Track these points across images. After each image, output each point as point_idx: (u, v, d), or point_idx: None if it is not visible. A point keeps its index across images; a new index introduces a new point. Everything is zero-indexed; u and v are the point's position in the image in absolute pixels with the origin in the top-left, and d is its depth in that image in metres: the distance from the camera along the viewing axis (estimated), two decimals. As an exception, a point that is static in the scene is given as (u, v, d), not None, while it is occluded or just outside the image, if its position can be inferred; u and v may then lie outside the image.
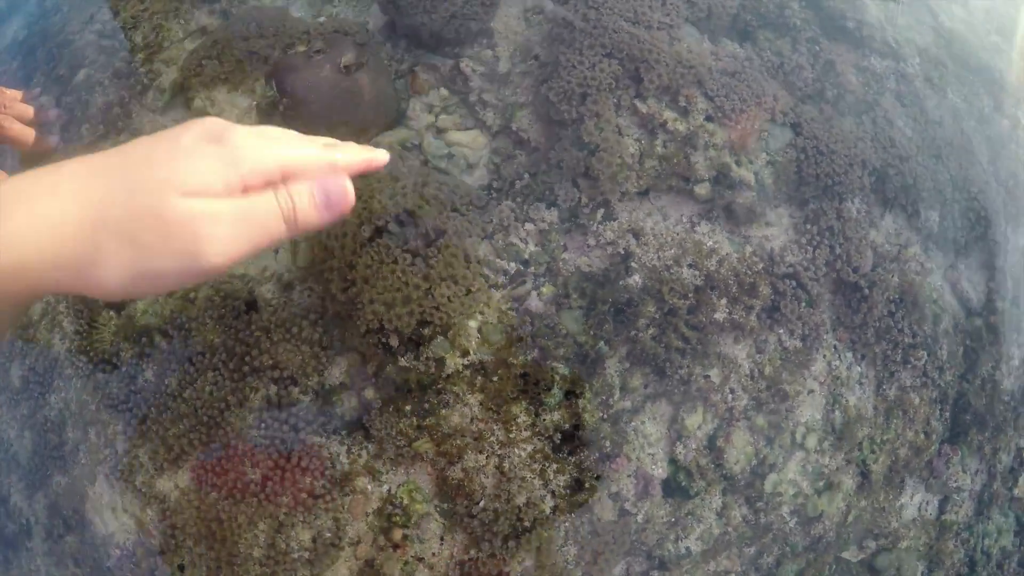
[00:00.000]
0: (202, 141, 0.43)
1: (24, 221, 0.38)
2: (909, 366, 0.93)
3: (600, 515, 0.77)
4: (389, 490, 0.75)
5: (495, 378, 0.75)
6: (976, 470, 1.02)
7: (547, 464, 0.75)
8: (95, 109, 0.92)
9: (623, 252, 0.82)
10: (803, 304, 0.85)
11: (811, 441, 0.87)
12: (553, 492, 0.75)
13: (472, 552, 0.73)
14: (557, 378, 0.76)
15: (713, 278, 0.82)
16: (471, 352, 0.75)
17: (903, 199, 0.95)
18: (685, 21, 0.92)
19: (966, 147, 1.06)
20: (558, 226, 0.84)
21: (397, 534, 0.73)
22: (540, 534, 0.74)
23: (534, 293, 0.80)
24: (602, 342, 0.79)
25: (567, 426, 0.76)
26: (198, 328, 0.78)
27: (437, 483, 0.74)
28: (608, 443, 0.78)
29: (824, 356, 0.88)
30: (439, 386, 0.74)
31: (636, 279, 0.81)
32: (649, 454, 0.80)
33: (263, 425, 0.75)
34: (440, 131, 0.88)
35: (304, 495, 0.74)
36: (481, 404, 0.75)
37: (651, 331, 0.79)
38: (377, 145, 0.83)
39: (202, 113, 0.88)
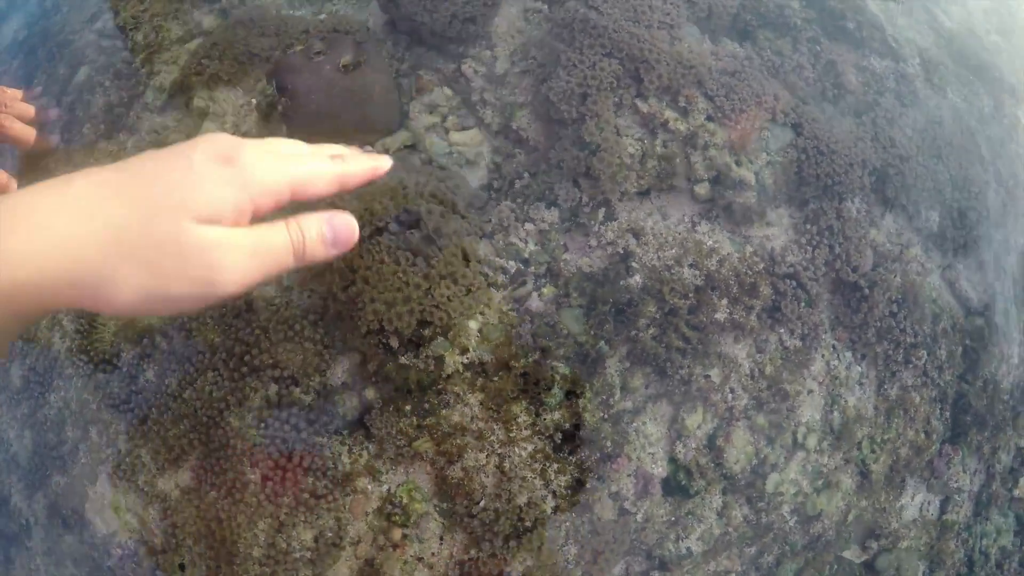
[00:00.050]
0: (213, 162, 0.44)
1: (39, 238, 0.39)
2: (910, 366, 0.93)
3: (600, 514, 0.77)
4: (389, 489, 0.75)
5: (495, 378, 0.75)
6: (975, 470, 1.02)
7: (548, 464, 0.75)
8: (96, 109, 0.92)
9: (623, 252, 0.82)
10: (802, 304, 0.85)
11: (811, 441, 0.87)
12: (554, 492, 0.75)
13: (472, 552, 0.73)
14: (558, 378, 0.76)
15: (714, 278, 0.82)
16: (471, 351, 0.76)
17: (904, 199, 0.95)
18: (686, 20, 0.92)
19: (966, 147, 1.06)
20: (558, 226, 0.84)
21: (396, 534, 0.73)
22: (541, 534, 0.74)
23: (534, 293, 0.80)
24: (603, 342, 0.79)
25: (568, 426, 0.76)
26: (199, 328, 0.78)
27: (436, 482, 0.74)
28: (609, 443, 0.78)
29: (823, 356, 0.88)
30: (439, 386, 0.74)
31: (636, 279, 0.81)
32: (649, 453, 0.80)
33: (264, 425, 0.75)
34: (442, 131, 0.88)
35: (306, 495, 0.74)
36: (481, 404, 0.75)
37: (652, 331, 0.79)
38: (384, 149, 0.84)
39: (202, 112, 0.88)
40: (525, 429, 0.74)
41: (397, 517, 0.74)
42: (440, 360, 0.74)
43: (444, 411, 0.74)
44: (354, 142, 0.83)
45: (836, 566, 0.92)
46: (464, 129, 0.88)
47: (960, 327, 0.99)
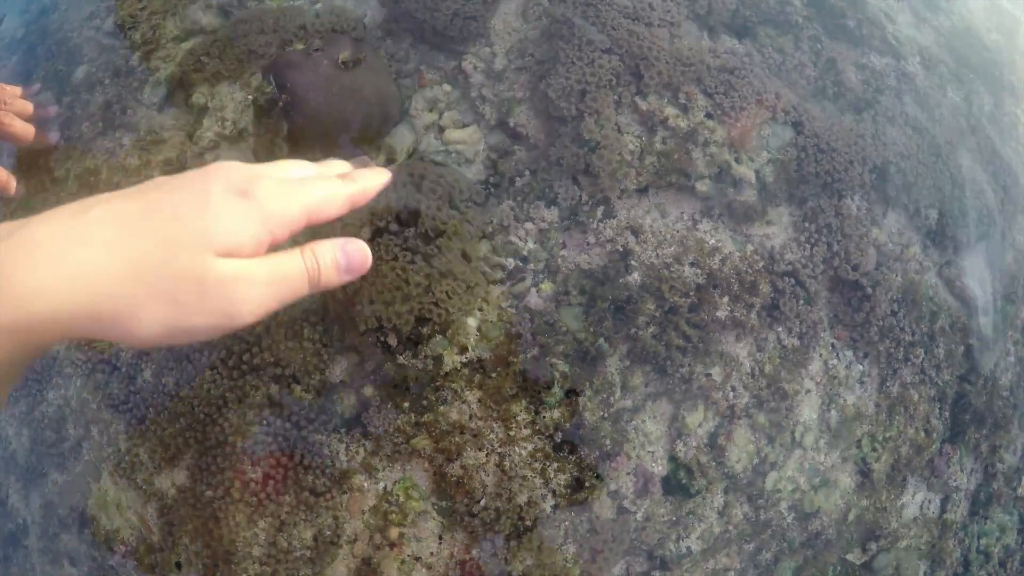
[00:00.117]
0: (230, 195, 0.44)
1: (59, 272, 0.39)
2: (910, 364, 0.93)
3: (599, 513, 0.77)
4: (385, 487, 0.75)
5: (494, 375, 0.75)
6: (971, 469, 1.02)
7: (547, 463, 0.75)
8: (94, 107, 0.92)
9: (622, 250, 0.82)
10: (801, 302, 0.85)
11: (808, 439, 0.87)
12: (554, 491, 0.75)
13: (473, 551, 0.73)
14: (557, 376, 0.76)
15: (715, 276, 0.82)
16: (470, 349, 0.75)
17: (904, 197, 0.95)
18: (685, 18, 0.91)
19: (966, 146, 1.06)
20: (558, 224, 0.83)
21: (393, 532, 0.73)
22: (541, 533, 0.74)
23: (533, 290, 0.80)
24: (602, 340, 0.78)
25: (567, 424, 0.75)
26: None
27: (435, 480, 0.74)
28: (608, 441, 0.77)
29: (821, 355, 0.88)
30: (437, 383, 0.74)
31: (635, 276, 0.81)
32: (649, 452, 0.80)
33: (266, 423, 0.74)
34: (441, 128, 0.88)
35: (306, 493, 0.73)
36: (480, 402, 0.74)
37: (651, 329, 0.79)
38: (386, 148, 0.84)
39: (201, 109, 0.88)
40: (525, 428, 0.74)
41: (394, 515, 0.73)
42: (439, 358, 0.74)
43: (442, 408, 0.74)
44: (353, 142, 0.83)
45: (839, 567, 0.92)
46: (463, 127, 0.88)
47: (959, 325, 0.99)
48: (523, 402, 0.75)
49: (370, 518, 0.74)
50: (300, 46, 0.86)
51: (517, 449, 0.74)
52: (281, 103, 0.79)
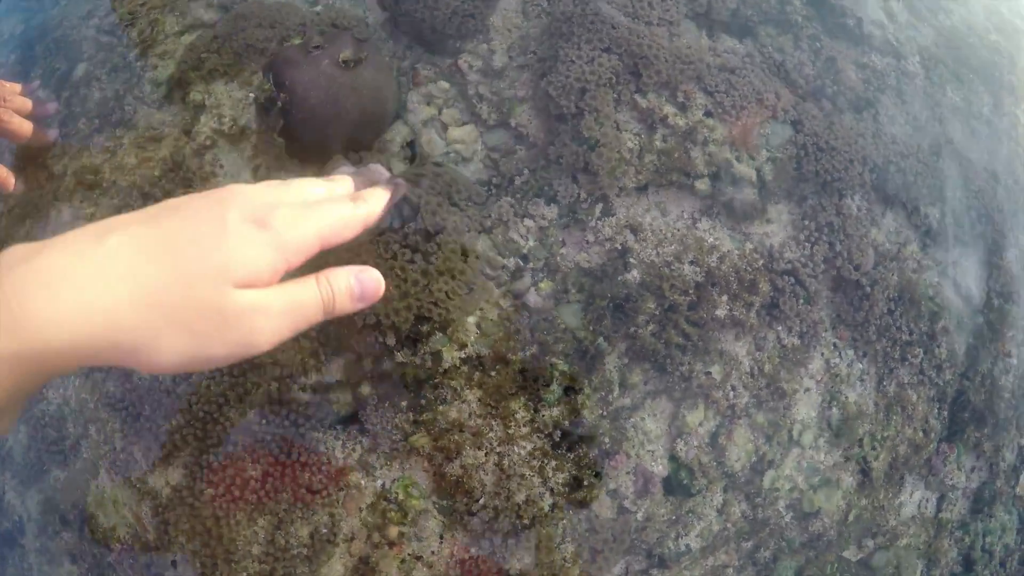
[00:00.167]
0: (247, 225, 0.45)
1: (76, 303, 0.39)
2: (907, 363, 0.93)
3: (599, 513, 0.77)
4: (383, 485, 0.74)
5: (493, 373, 0.75)
6: (972, 467, 1.02)
7: (546, 461, 0.74)
8: (92, 104, 0.92)
9: (621, 248, 0.82)
10: (801, 301, 0.85)
11: (807, 438, 0.87)
12: (552, 490, 0.74)
13: (473, 550, 0.73)
14: (556, 374, 0.76)
15: (714, 275, 0.82)
16: (469, 347, 0.75)
17: (904, 196, 0.95)
18: (684, 17, 0.91)
19: (966, 145, 1.06)
20: (557, 221, 0.83)
21: (393, 531, 0.73)
22: (540, 532, 0.74)
23: (532, 288, 0.80)
24: (601, 338, 0.78)
25: (566, 422, 0.75)
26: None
27: (435, 479, 0.74)
28: (607, 440, 0.77)
29: (822, 354, 0.88)
30: (436, 381, 0.74)
31: (635, 275, 0.81)
32: (649, 451, 0.80)
33: (266, 421, 0.74)
34: (441, 126, 0.88)
35: (304, 491, 0.73)
36: (479, 400, 0.74)
37: (651, 327, 0.79)
38: (385, 148, 0.84)
39: (199, 107, 0.87)
40: (524, 426, 0.74)
41: (393, 514, 0.73)
42: (437, 356, 0.74)
43: (441, 407, 0.74)
44: (353, 142, 0.83)
45: (838, 565, 0.91)
46: (462, 125, 0.88)
47: (960, 325, 0.99)
48: (522, 400, 0.75)
49: (368, 516, 0.74)
50: (297, 40, 0.85)
51: (516, 448, 0.74)
52: (280, 102, 0.79)
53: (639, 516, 0.79)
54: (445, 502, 0.74)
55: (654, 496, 0.79)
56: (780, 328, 0.85)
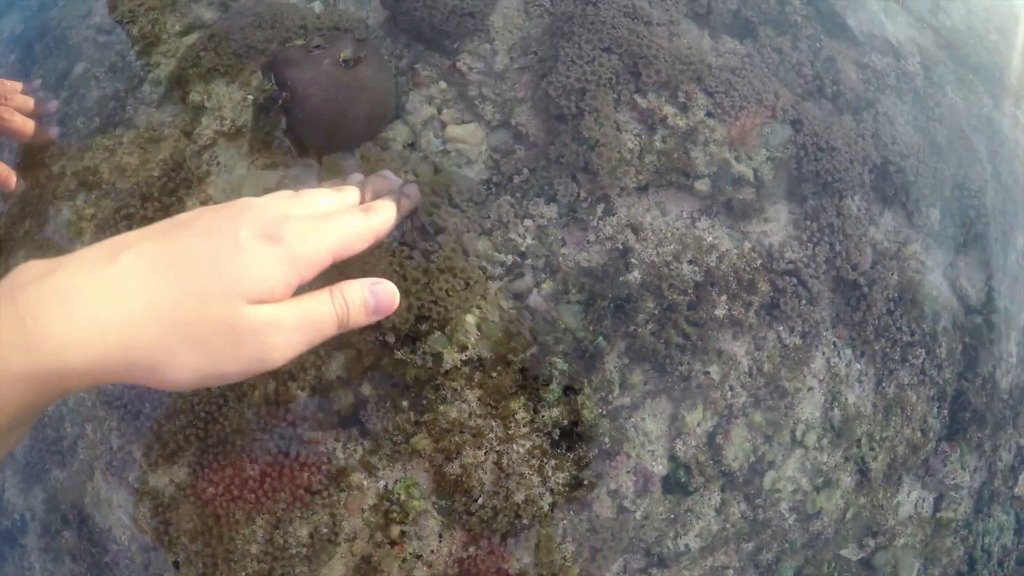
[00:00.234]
0: (260, 240, 0.45)
1: (93, 322, 0.39)
2: (907, 364, 0.93)
3: (599, 512, 0.77)
4: (386, 486, 0.74)
5: (493, 373, 0.75)
6: (975, 467, 1.02)
7: (545, 460, 0.74)
8: (91, 103, 0.92)
9: (622, 247, 0.82)
10: (803, 301, 0.85)
11: (810, 438, 0.87)
12: (552, 489, 0.75)
13: (471, 549, 0.73)
14: (556, 374, 0.76)
15: (713, 274, 0.82)
16: (469, 347, 0.75)
17: (903, 196, 0.95)
18: (685, 16, 0.91)
19: (966, 145, 1.06)
20: (557, 221, 0.83)
21: (395, 531, 0.73)
22: (539, 531, 0.74)
23: (533, 288, 0.80)
24: (601, 338, 0.78)
25: (566, 422, 0.75)
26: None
27: (435, 479, 0.74)
28: (607, 440, 0.77)
29: (823, 353, 0.88)
30: (437, 381, 0.74)
31: (635, 274, 0.81)
32: (649, 451, 0.80)
33: (262, 421, 0.74)
34: (440, 125, 0.88)
35: (302, 491, 0.73)
36: (479, 400, 0.74)
37: (650, 327, 0.79)
38: (386, 146, 0.84)
39: (199, 107, 0.87)
40: (523, 426, 0.74)
41: (395, 514, 0.73)
42: (438, 356, 0.74)
43: (442, 407, 0.74)
44: (353, 140, 0.83)
45: (835, 564, 0.92)
46: (463, 124, 0.88)
47: (959, 325, 0.99)
48: (522, 399, 0.75)
49: (370, 516, 0.74)
50: (299, 42, 0.85)
51: (515, 447, 0.74)
52: (280, 101, 0.79)
53: (638, 515, 0.79)
54: (444, 501, 0.74)
55: (653, 495, 0.79)
56: (781, 328, 0.85)
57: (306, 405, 0.75)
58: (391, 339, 0.74)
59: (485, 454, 0.73)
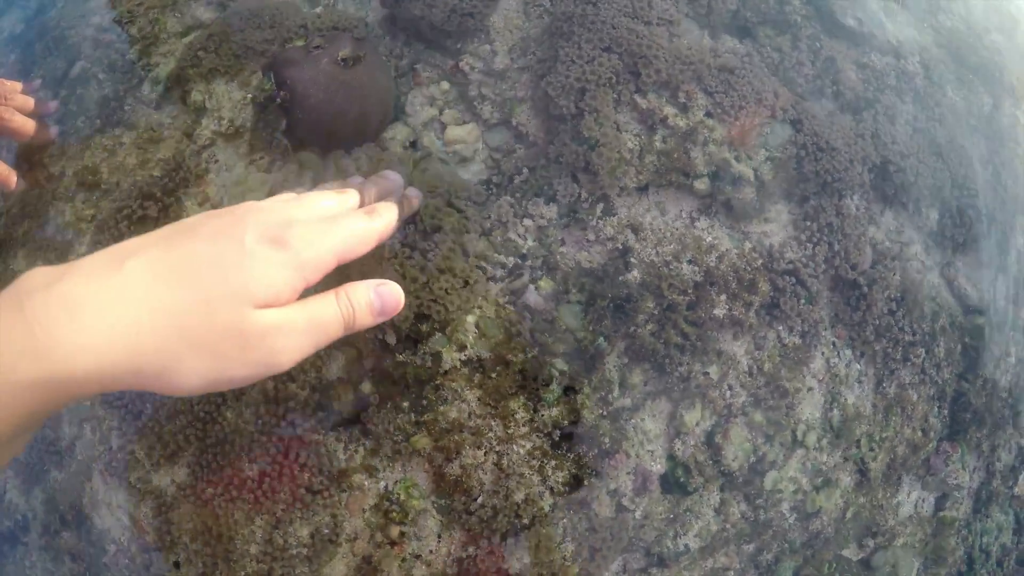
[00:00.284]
0: (265, 245, 0.45)
1: (100, 331, 0.39)
2: (908, 364, 0.93)
3: (598, 511, 0.77)
4: (386, 486, 0.75)
5: (493, 374, 0.75)
6: (975, 467, 1.02)
7: (545, 460, 0.74)
8: (90, 103, 0.91)
9: (622, 247, 0.82)
10: (803, 301, 0.85)
11: (810, 438, 0.87)
12: (552, 489, 0.75)
13: (470, 549, 0.73)
14: (556, 374, 0.76)
15: (713, 274, 0.82)
16: (469, 347, 0.75)
17: (903, 196, 0.95)
18: (685, 16, 0.91)
19: (966, 145, 1.06)
20: (557, 221, 0.83)
21: (394, 531, 0.73)
22: (539, 531, 0.74)
23: (532, 288, 0.80)
24: (601, 338, 0.78)
25: (565, 422, 0.75)
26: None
27: (434, 479, 0.74)
28: (607, 439, 0.77)
29: (823, 353, 0.88)
30: (437, 382, 0.74)
31: (635, 274, 0.81)
32: (648, 450, 0.80)
33: (260, 421, 0.74)
34: (443, 125, 0.88)
35: (302, 491, 0.73)
36: (479, 400, 0.74)
37: (650, 327, 0.79)
38: (386, 146, 0.84)
39: (199, 108, 0.87)
40: (523, 426, 0.74)
41: (395, 514, 0.73)
42: (438, 356, 0.74)
43: (442, 407, 0.74)
44: (353, 139, 0.83)
45: (836, 564, 0.92)
46: (462, 124, 0.88)
47: (959, 325, 0.99)
48: (521, 399, 0.75)
49: (371, 517, 0.74)
50: (299, 42, 0.85)
51: (515, 447, 0.74)
52: (280, 101, 0.79)
53: (637, 514, 0.79)
54: (444, 501, 0.74)
55: (651, 494, 0.79)
56: (781, 328, 0.85)
57: (306, 405, 0.75)
58: (391, 339, 0.74)
59: (485, 454, 0.73)
